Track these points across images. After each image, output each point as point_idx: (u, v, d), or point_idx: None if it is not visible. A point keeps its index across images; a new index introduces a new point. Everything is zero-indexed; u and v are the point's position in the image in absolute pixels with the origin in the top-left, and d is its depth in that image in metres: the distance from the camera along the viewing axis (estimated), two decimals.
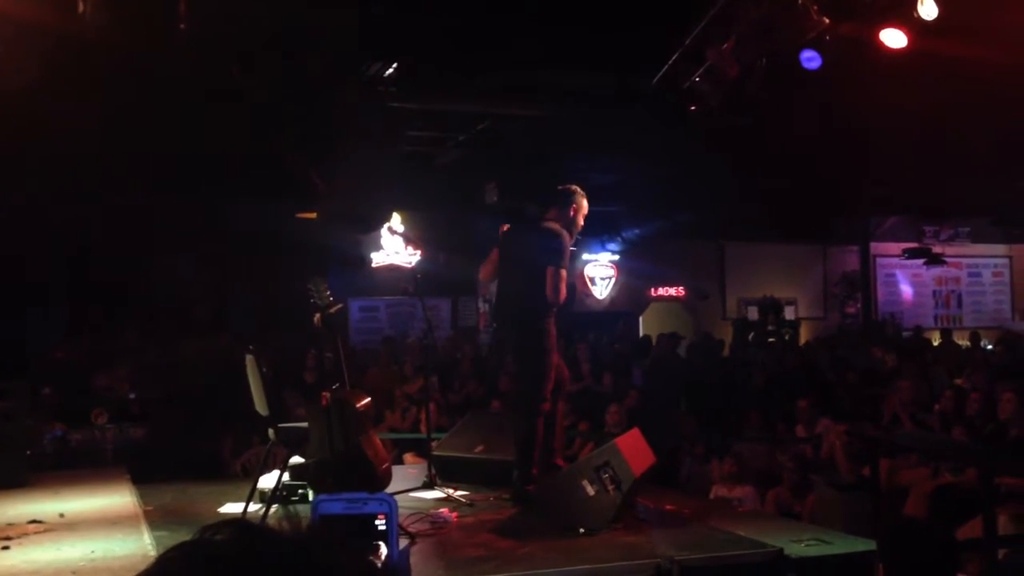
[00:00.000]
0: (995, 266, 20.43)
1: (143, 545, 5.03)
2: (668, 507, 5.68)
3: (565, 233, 5.96)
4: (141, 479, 6.85)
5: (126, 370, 10.53)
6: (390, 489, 5.52)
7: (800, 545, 4.55)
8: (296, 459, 5.77)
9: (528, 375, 5.92)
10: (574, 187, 6.24)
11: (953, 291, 20.07)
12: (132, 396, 10.26)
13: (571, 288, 6.04)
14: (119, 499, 6.39)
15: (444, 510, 5.63)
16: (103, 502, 6.33)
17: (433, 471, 6.30)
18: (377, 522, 1.43)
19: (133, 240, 11.59)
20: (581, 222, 6.19)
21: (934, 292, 19.92)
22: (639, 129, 10.79)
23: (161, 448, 9.04)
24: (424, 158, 12.38)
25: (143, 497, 6.28)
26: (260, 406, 5.84)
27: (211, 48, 7.01)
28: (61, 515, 5.82)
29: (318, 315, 5.32)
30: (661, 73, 8.55)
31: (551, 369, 5.83)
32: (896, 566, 2.76)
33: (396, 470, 6.05)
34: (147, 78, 7.66)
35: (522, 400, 5.96)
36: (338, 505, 1.43)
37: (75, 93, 7.30)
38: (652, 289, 17.45)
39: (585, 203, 6.20)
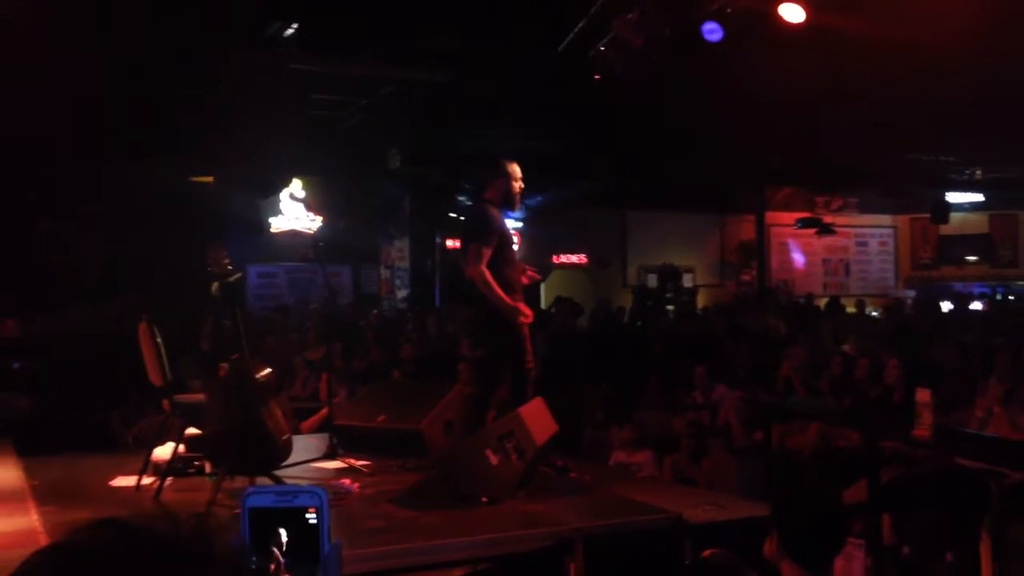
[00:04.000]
0: (881, 236, 21.25)
1: (29, 521, 4.84)
2: (571, 475, 5.74)
3: (491, 209, 5.85)
4: (27, 451, 6.58)
5: (10, 338, 10.09)
6: (290, 460, 5.44)
7: (697, 510, 4.66)
8: (192, 431, 5.63)
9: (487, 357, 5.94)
10: (502, 159, 6.10)
11: (841, 260, 20.81)
12: (17, 365, 9.85)
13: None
14: (3, 473, 6.13)
15: (345, 480, 5.57)
16: None
17: (334, 441, 6.23)
18: (308, 516, 1.39)
19: (17, 203, 11.06)
20: (518, 188, 6.01)
21: (824, 260, 20.61)
22: (543, 97, 10.80)
23: (48, 419, 8.71)
24: (326, 122, 12.14)
25: (29, 471, 6.03)
26: (154, 376, 5.67)
27: (101, 4, 6.71)
28: None
29: (216, 284, 5.18)
30: (566, 41, 8.55)
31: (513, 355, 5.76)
32: (788, 530, 2.84)
33: (297, 440, 5.96)
34: (31, 33, 7.28)
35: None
36: (267, 498, 1.38)
37: None
38: (554, 256, 17.58)
39: (516, 169, 6.02)
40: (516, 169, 6.03)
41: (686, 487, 6.28)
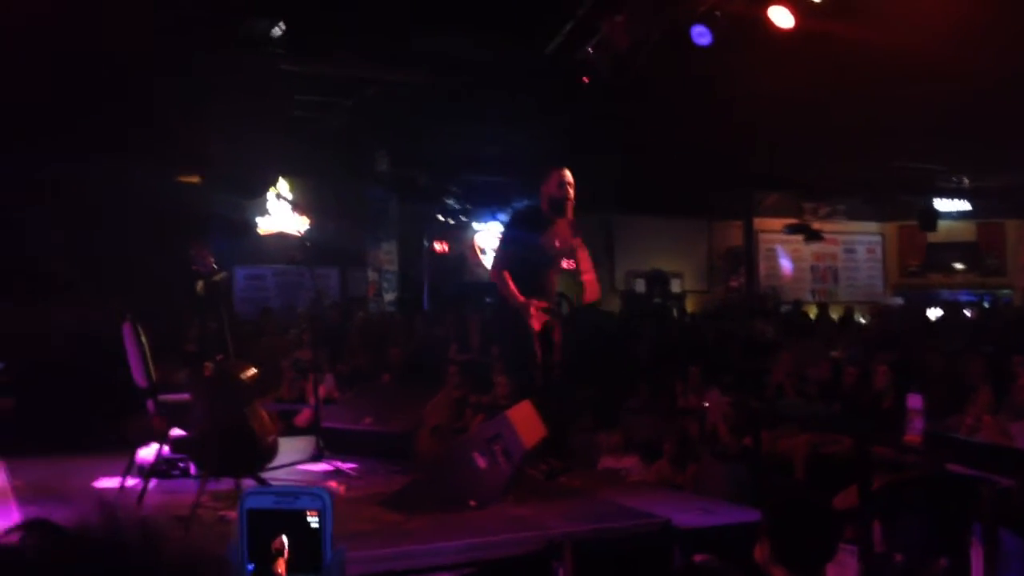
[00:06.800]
0: (869, 243, 21.28)
1: (11, 522, 4.76)
2: (559, 479, 5.70)
3: (521, 217, 6.33)
4: (10, 452, 6.50)
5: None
6: (276, 462, 5.38)
7: (687, 515, 4.63)
8: (177, 432, 5.57)
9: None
10: (550, 166, 6.17)
11: (829, 267, 20.83)
12: (1, 365, 9.72)
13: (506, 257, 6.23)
14: None
15: (332, 483, 5.52)
16: None
17: (321, 443, 6.18)
18: (309, 519, 1.29)
19: None
20: (560, 193, 6.06)
21: (812, 267, 20.64)
22: (530, 99, 10.77)
23: (32, 419, 8.61)
24: (313, 123, 12.08)
25: (12, 471, 5.97)
26: (139, 376, 5.60)
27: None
28: None
29: (201, 283, 5.12)
30: (554, 43, 8.53)
31: (519, 353, 5.91)
32: (780, 537, 2.81)
33: (283, 442, 5.90)
34: (16, 32, 7.21)
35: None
36: (267, 499, 1.30)
37: None
38: None
39: (562, 174, 6.09)
40: (562, 175, 6.07)
41: (675, 492, 6.25)
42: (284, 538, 1.27)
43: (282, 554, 1.26)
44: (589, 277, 6.31)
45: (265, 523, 1.28)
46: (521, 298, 5.84)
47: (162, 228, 10.78)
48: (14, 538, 0.83)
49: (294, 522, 1.28)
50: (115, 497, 5.28)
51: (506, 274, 5.93)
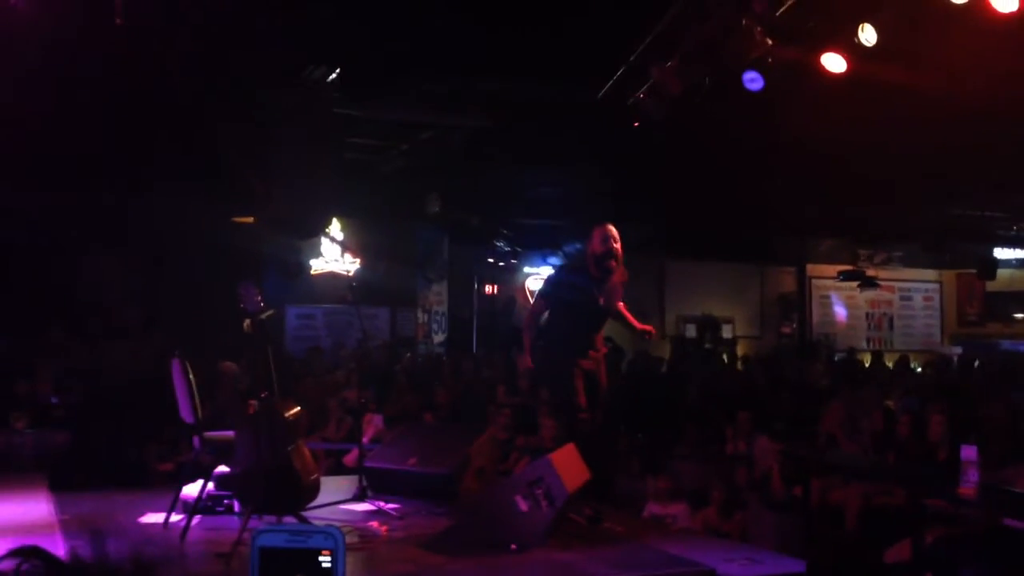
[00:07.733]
0: (926, 291, 20.89)
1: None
2: (603, 524, 5.62)
3: (562, 274, 6.79)
4: (61, 486, 6.61)
5: (48, 373, 10.18)
6: (319, 501, 5.39)
7: (732, 565, 4.53)
8: (222, 468, 5.60)
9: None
10: (595, 225, 6.26)
11: (885, 314, 20.46)
12: (54, 400, 9.91)
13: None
14: (35, 507, 6.15)
15: (374, 523, 5.51)
16: (18, 509, 6.08)
17: (364, 483, 6.18)
18: (321, 559, 1.29)
19: (59, 239, 11.24)
20: (604, 248, 6.10)
21: (867, 314, 20.28)
22: (582, 143, 10.81)
23: (84, 455, 8.74)
24: (366, 165, 12.24)
25: (61, 505, 6.05)
26: (185, 412, 5.67)
27: (148, 44, 6.84)
28: None
29: (248, 320, 5.18)
30: (606, 88, 8.56)
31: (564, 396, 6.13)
32: None
33: (326, 481, 5.91)
34: (79, 73, 7.44)
35: None
36: (280, 538, 1.30)
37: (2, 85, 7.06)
38: None
39: (602, 232, 6.12)
40: (606, 231, 6.13)
41: (721, 540, 6.12)
42: None
43: None
44: (639, 325, 6.50)
45: (278, 561, 1.27)
46: (527, 345, 6.32)
47: (216, 267, 10.97)
48: (9, 565, 0.83)
49: (306, 561, 1.27)
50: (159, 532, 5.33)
51: (528, 319, 6.51)
